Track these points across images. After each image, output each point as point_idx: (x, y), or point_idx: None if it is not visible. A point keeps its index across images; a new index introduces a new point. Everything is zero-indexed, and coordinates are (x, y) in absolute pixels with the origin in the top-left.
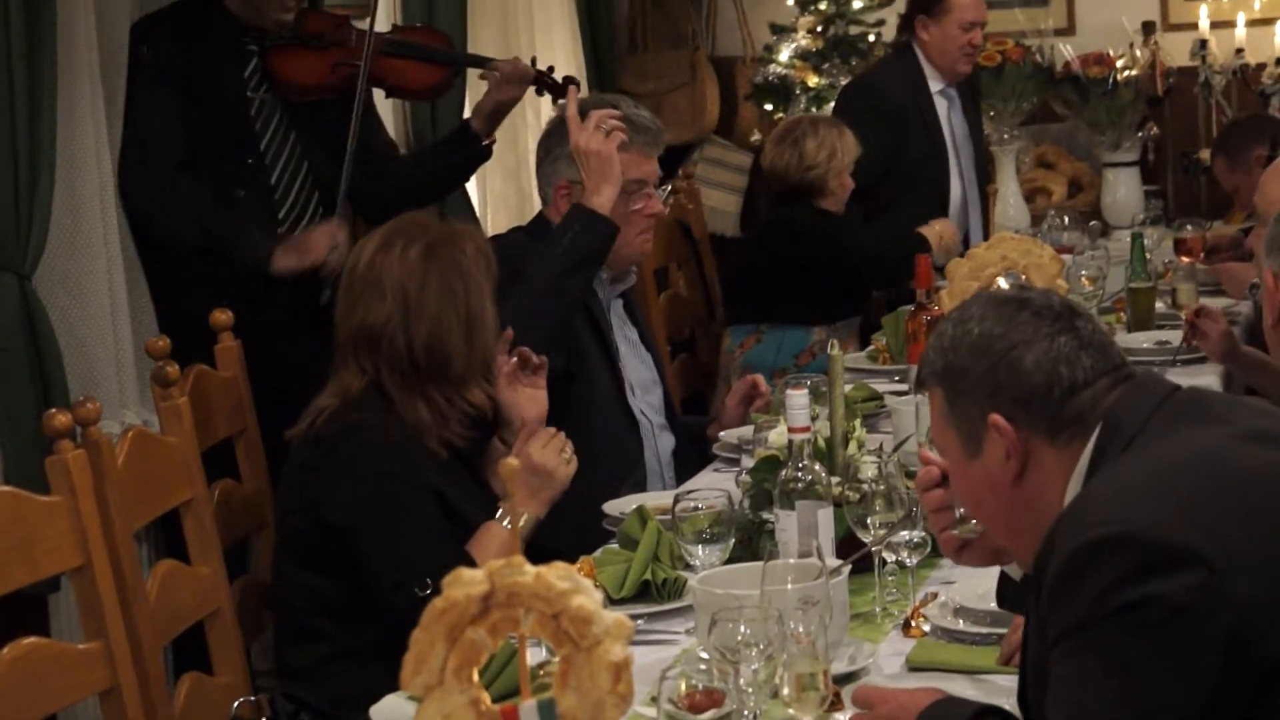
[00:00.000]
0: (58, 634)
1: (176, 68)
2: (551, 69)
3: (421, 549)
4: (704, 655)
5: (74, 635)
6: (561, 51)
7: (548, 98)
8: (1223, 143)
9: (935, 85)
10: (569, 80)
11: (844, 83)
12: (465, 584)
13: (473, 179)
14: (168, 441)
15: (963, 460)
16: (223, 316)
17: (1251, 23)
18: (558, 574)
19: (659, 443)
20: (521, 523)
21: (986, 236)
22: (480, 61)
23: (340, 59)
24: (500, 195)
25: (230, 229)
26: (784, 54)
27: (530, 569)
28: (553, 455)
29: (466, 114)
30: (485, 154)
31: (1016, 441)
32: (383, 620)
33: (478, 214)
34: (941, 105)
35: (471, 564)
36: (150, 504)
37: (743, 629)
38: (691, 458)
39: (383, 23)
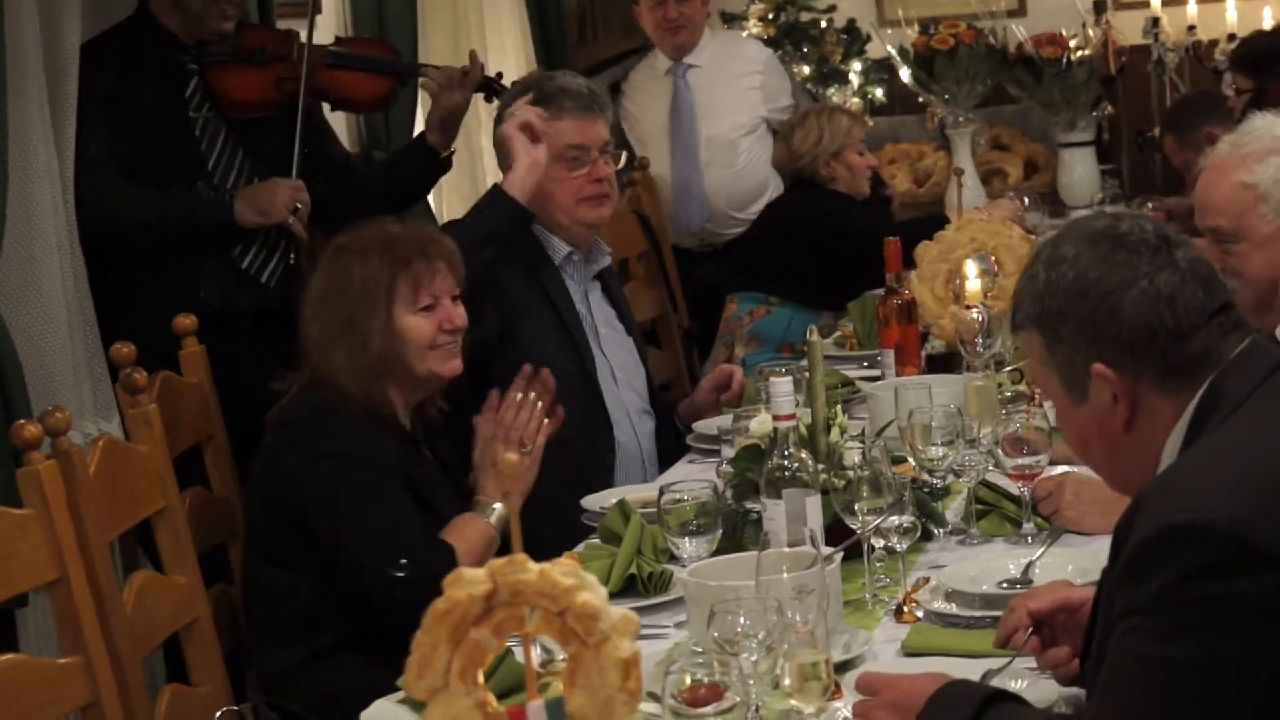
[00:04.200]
0: (26, 650)
1: (112, 98)
2: (500, 75)
3: (391, 529)
4: (696, 649)
5: (43, 651)
6: (511, 44)
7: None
8: (1171, 120)
9: (662, 68)
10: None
11: (798, 70)
12: (467, 583)
13: None
14: (139, 450)
15: (1068, 404)
16: (186, 321)
17: None
18: (562, 570)
19: (638, 429)
20: (496, 516)
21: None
22: (428, 71)
23: (282, 73)
24: (454, 186)
25: (184, 203)
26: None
27: (533, 566)
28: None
29: (419, 121)
30: (445, 166)
31: (1123, 388)
32: (356, 610)
33: (433, 209)
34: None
35: (449, 552)
36: (123, 514)
37: (742, 620)
38: (670, 438)
39: (336, 29)
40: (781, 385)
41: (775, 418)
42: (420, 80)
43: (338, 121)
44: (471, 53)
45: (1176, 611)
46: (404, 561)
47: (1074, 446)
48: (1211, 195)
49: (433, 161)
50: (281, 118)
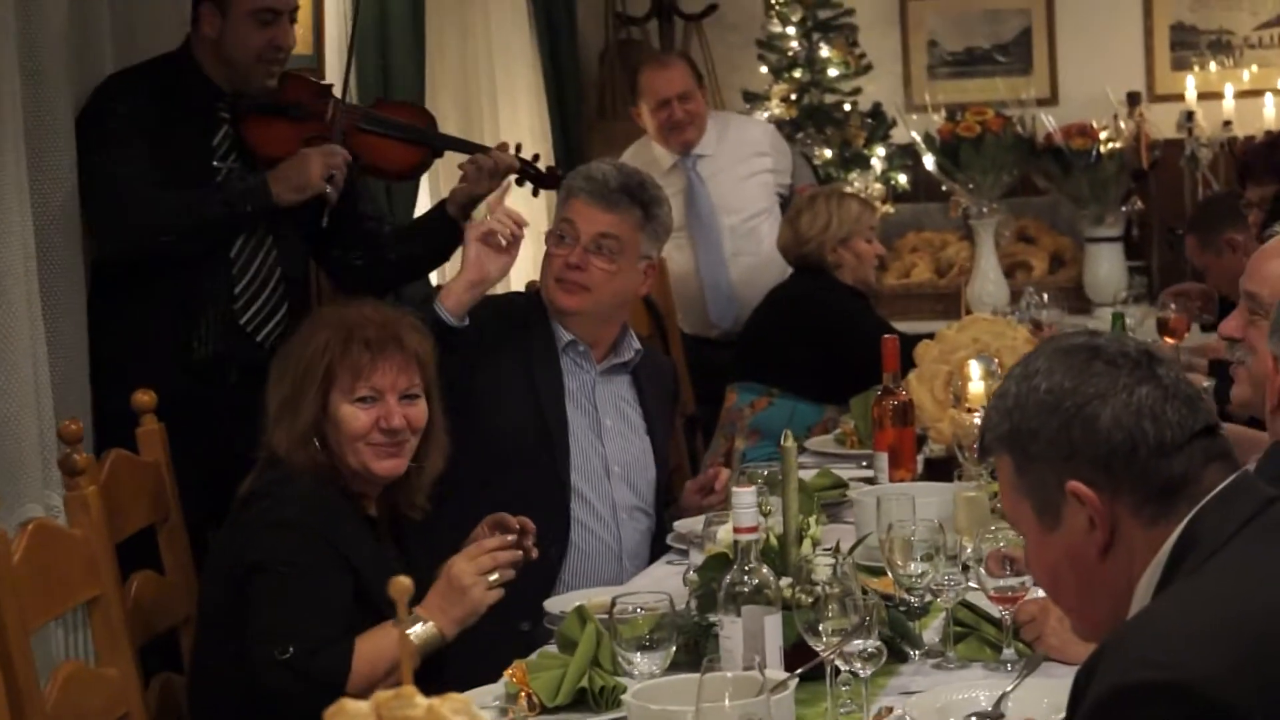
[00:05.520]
0: None
1: (150, 127)
2: (536, 157)
3: (301, 611)
4: None
5: None
6: (526, 117)
7: None
8: (1195, 221)
9: (667, 162)
10: (552, 172)
11: (819, 153)
12: (350, 716)
13: None
14: (72, 534)
15: (1040, 533)
16: (144, 398)
17: (1240, 94)
18: (452, 707)
19: (623, 527)
20: (421, 629)
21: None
22: (467, 146)
23: (315, 132)
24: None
25: (219, 199)
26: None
27: (421, 701)
28: (471, 571)
29: (421, 193)
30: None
31: (1100, 509)
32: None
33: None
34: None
35: (345, 654)
36: (51, 602)
37: None
38: (664, 541)
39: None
40: (744, 496)
41: (737, 530)
42: (465, 162)
43: None
44: (503, 144)
45: None
46: (291, 648)
47: (1043, 582)
48: (1262, 265)
49: (452, 234)
50: None
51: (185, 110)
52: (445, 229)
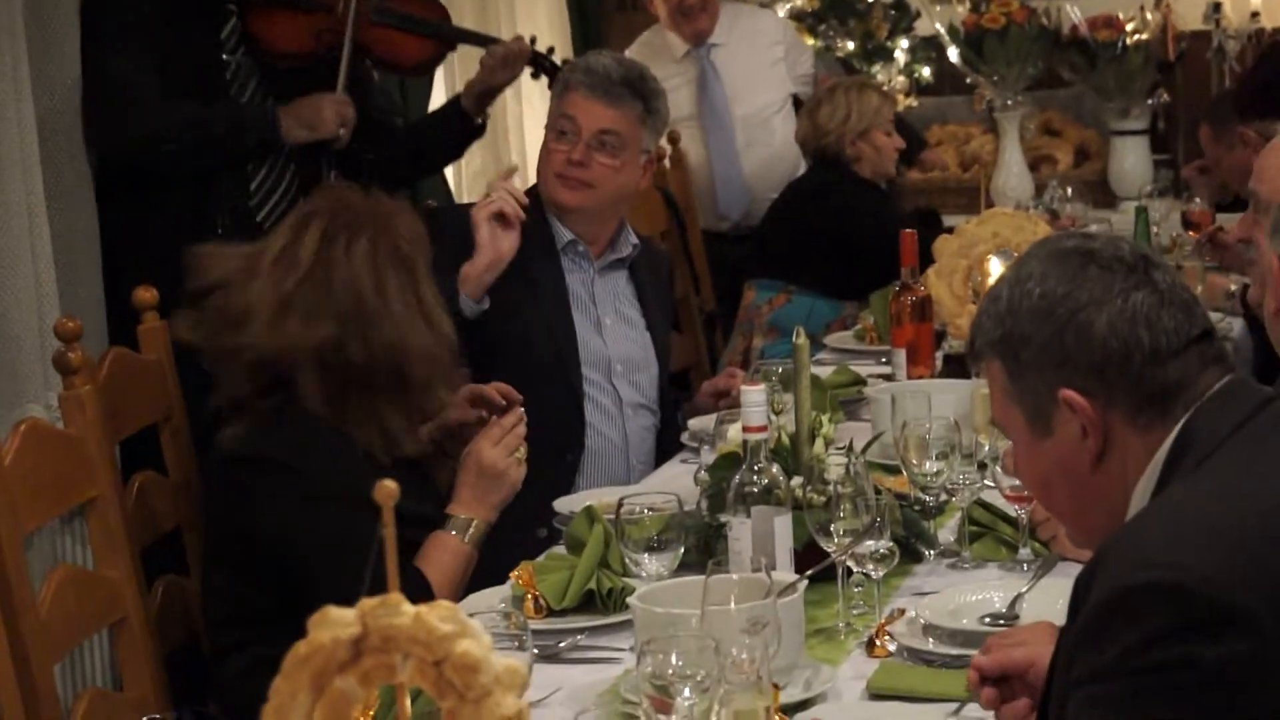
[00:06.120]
0: None
1: (149, 23)
2: (551, 49)
3: (365, 572)
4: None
5: None
6: (544, 9)
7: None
8: (1211, 111)
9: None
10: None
11: (841, 45)
12: (333, 625)
13: None
14: (66, 434)
15: (1031, 441)
16: (146, 295)
17: None
18: (440, 615)
19: (629, 424)
20: (472, 529)
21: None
22: (479, 39)
23: (326, 25)
24: (479, 170)
25: (230, 116)
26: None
27: (409, 608)
28: (503, 454)
29: (437, 89)
30: (479, 132)
31: (1093, 418)
32: None
33: (452, 188)
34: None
35: (422, 581)
36: (46, 504)
37: (674, 660)
38: (671, 439)
39: None
40: (753, 395)
41: (746, 429)
42: (482, 56)
43: None
44: (518, 37)
45: (1139, 678)
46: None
47: (1035, 490)
48: (1264, 163)
49: (465, 127)
50: (318, 68)
51: (191, 2)
52: (459, 122)
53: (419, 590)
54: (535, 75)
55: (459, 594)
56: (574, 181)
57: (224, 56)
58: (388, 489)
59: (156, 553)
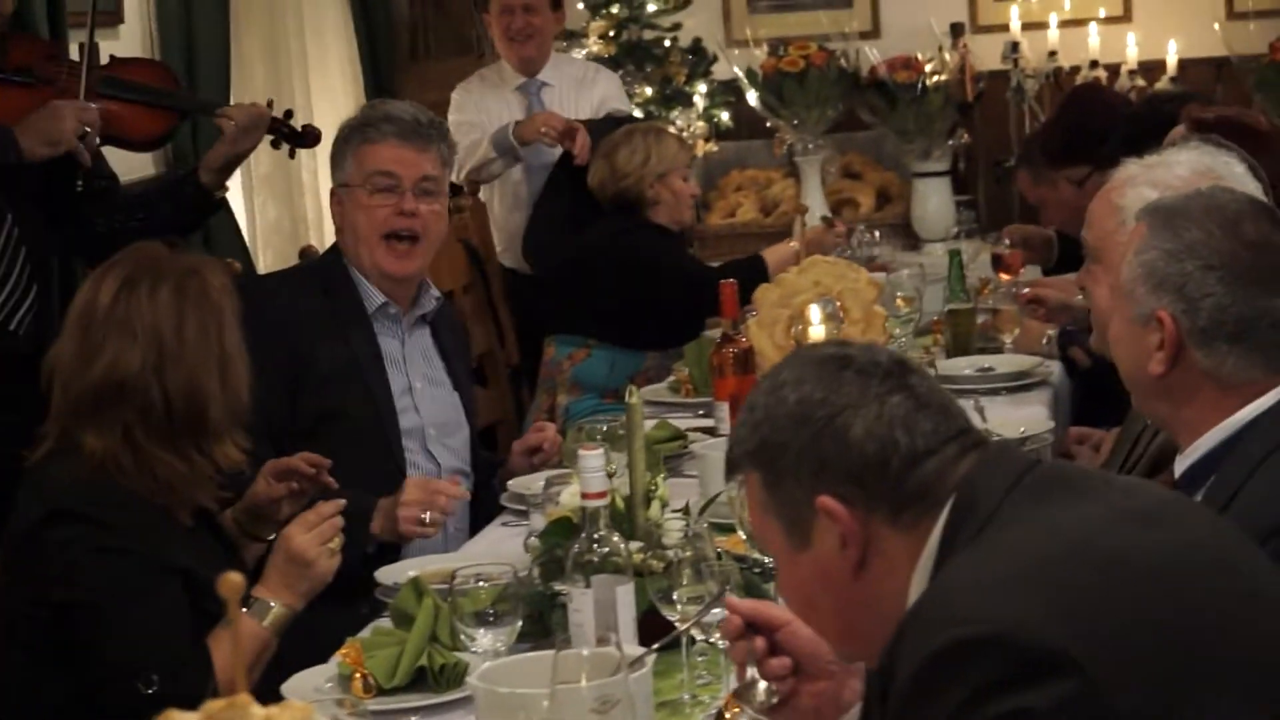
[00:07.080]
0: None
1: None
2: (289, 113)
3: (153, 640)
4: None
5: None
6: (336, 58)
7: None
8: (1026, 155)
9: (514, 82)
10: (309, 129)
11: (639, 90)
12: None
13: (240, 203)
14: None
15: (790, 554)
16: None
17: (1064, 24)
18: (291, 716)
19: None
20: (271, 615)
21: None
22: (212, 106)
23: (48, 98)
24: (274, 224)
25: None
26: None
27: (258, 710)
28: (314, 542)
29: None
30: (217, 207)
31: (853, 525)
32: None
33: (246, 243)
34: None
35: (206, 659)
36: None
37: None
38: (490, 500)
39: (141, 48)
40: (591, 459)
41: (585, 495)
42: (218, 120)
43: None
44: (254, 103)
45: None
46: (155, 678)
47: (798, 608)
48: (1092, 209)
49: (203, 202)
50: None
51: None
52: (198, 195)
53: (201, 675)
54: (275, 144)
55: (251, 678)
56: (409, 240)
57: None
58: (232, 582)
59: None
